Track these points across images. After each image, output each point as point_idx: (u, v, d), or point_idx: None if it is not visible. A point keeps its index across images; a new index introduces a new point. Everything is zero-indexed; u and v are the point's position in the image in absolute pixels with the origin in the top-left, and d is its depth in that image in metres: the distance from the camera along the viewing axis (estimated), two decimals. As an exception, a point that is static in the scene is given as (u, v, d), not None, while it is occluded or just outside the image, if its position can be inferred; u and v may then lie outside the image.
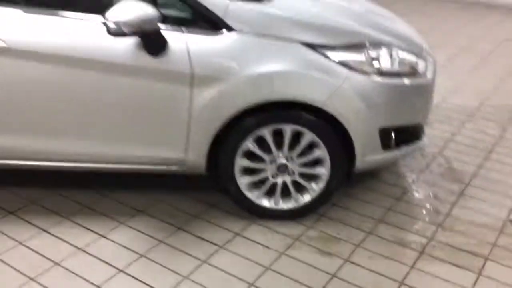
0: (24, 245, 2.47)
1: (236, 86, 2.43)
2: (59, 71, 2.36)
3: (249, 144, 2.57)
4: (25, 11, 2.39)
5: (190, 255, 2.47)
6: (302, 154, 2.62)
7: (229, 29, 2.43)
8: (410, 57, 2.77)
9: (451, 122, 4.01)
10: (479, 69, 5.26)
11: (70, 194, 2.84)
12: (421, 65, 2.80)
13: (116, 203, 2.80)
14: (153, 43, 2.34)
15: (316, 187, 2.70)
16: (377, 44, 2.66)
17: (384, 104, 2.62)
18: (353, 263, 2.48)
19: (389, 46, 2.69)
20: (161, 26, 2.33)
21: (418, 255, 2.55)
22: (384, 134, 2.68)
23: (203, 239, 2.58)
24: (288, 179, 2.67)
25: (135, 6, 2.23)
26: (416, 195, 3.07)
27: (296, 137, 2.58)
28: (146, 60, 2.36)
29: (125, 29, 2.21)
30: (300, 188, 2.71)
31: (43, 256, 2.41)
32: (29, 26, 2.37)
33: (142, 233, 2.60)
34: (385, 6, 3.45)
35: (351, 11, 3.09)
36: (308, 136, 2.56)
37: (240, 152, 2.58)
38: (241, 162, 2.61)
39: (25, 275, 2.29)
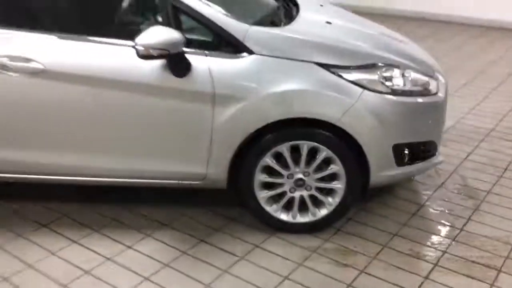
0: (56, 255, 2.63)
1: (255, 104, 2.58)
2: (91, 91, 2.56)
3: (268, 160, 2.70)
4: (60, 37, 2.59)
5: (212, 265, 2.59)
6: (318, 169, 2.74)
7: (249, 52, 2.60)
8: (422, 77, 2.89)
9: (467, 142, 4.08)
10: (495, 92, 5.34)
11: (98, 208, 3.01)
12: (433, 85, 2.92)
13: (142, 217, 2.96)
14: (178, 65, 2.52)
15: (332, 201, 2.81)
16: (390, 65, 2.80)
17: (397, 121, 2.74)
18: (368, 274, 2.57)
19: (401, 66, 2.83)
20: (186, 49, 2.51)
21: (432, 267, 2.63)
22: (397, 150, 2.79)
23: (224, 250, 2.71)
24: (305, 193, 2.79)
25: (162, 31, 2.42)
26: (431, 210, 3.15)
27: (313, 153, 2.71)
28: (172, 80, 2.53)
29: (153, 52, 2.40)
30: (317, 202, 2.82)
31: (74, 265, 2.56)
32: (64, 50, 2.57)
33: (166, 244, 2.74)
34: (403, 32, 3.60)
35: (366, 34, 3.25)
36: (324, 152, 2.69)
37: (259, 167, 2.71)
38: (260, 177, 2.74)
39: (58, 282, 2.45)
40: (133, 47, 2.41)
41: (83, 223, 2.88)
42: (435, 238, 2.88)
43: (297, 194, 2.79)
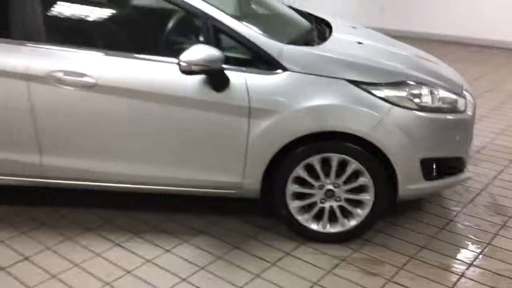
0: (101, 256, 2.82)
1: (289, 118, 2.75)
2: (137, 104, 2.77)
3: (300, 171, 2.85)
4: (110, 55, 2.82)
5: (245, 269, 2.74)
6: (348, 181, 2.87)
7: (283, 69, 2.77)
8: (450, 95, 3.01)
9: (497, 162, 4.13)
10: (528, 113, 5.37)
11: (140, 214, 3.21)
12: (460, 103, 3.03)
13: (179, 224, 3.13)
14: (217, 80, 2.71)
15: (361, 213, 2.92)
16: (418, 83, 2.92)
17: (424, 136, 2.85)
18: (395, 283, 2.66)
19: (430, 84, 2.95)
20: (225, 66, 2.71)
21: (459, 278, 2.70)
22: (425, 164, 2.89)
23: (256, 256, 2.85)
24: (335, 204, 2.92)
25: (204, 49, 2.63)
26: (459, 225, 3.22)
27: (343, 165, 2.84)
28: (211, 95, 2.73)
29: (195, 68, 2.60)
30: (346, 213, 2.94)
31: (117, 265, 2.75)
32: (114, 66, 2.80)
33: (203, 249, 2.90)
34: (439, 55, 3.72)
35: (395, 54, 3.40)
36: (354, 165, 2.82)
37: (291, 178, 2.86)
38: (292, 187, 2.89)
39: (102, 280, 2.63)
40: (177, 63, 2.62)
41: (126, 228, 3.07)
42: (462, 251, 2.95)
43: (327, 205, 2.92)
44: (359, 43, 3.31)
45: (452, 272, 2.75)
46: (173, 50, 2.77)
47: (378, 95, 2.79)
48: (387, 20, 8.73)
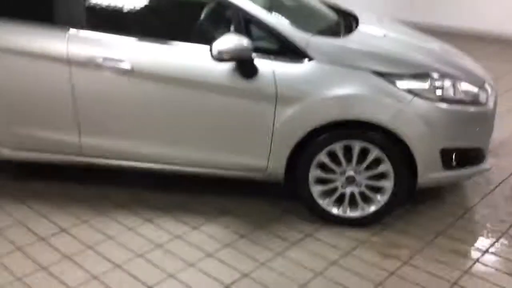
0: (133, 231, 3.02)
1: (313, 106, 2.88)
2: (171, 89, 2.94)
3: (322, 157, 2.98)
4: (146, 41, 2.99)
5: (267, 248, 2.90)
6: (368, 168, 2.99)
7: (310, 58, 2.90)
8: (472, 88, 3.09)
9: (520, 156, 4.19)
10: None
11: (170, 194, 3.39)
12: (482, 96, 3.11)
13: (206, 204, 3.31)
14: (246, 68, 2.86)
15: (381, 199, 3.04)
16: (441, 75, 3.02)
17: (445, 127, 2.95)
18: (411, 265, 2.79)
19: (452, 77, 3.04)
20: (254, 54, 2.85)
21: (473, 263, 2.81)
22: (445, 154, 2.99)
23: (279, 236, 3.00)
24: (355, 190, 3.04)
25: (234, 38, 2.78)
26: (477, 214, 3.31)
27: (364, 153, 2.96)
28: (240, 82, 2.88)
29: (225, 56, 2.76)
30: (366, 199, 3.07)
31: (148, 239, 2.94)
32: (149, 53, 2.97)
33: (229, 228, 3.07)
34: (466, 51, 3.77)
35: (420, 46, 3.49)
36: (375, 152, 2.93)
37: (314, 163, 3.00)
38: (314, 172, 3.02)
39: (134, 252, 2.83)
40: (209, 51, 2.77)
41: (156, 206, 3.26)
42: (478, 239, 3.05)
43: (348, 190, 3.05)
44: (385, 35, 3.41)
45: (468, 258, 2.86)
46: (205, 38, 2.92)
47: (400, 86, 2.90)
48: (416, 14, 8.72)
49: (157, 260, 2.76)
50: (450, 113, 2.97)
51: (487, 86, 3.24)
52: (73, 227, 3.03)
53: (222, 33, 2.81)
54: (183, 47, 2.97)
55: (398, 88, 2.89)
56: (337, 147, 2.96)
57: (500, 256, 2.88)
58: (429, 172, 3.00)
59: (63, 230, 3.00)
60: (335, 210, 3.10)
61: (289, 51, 2.92)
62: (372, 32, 3.49)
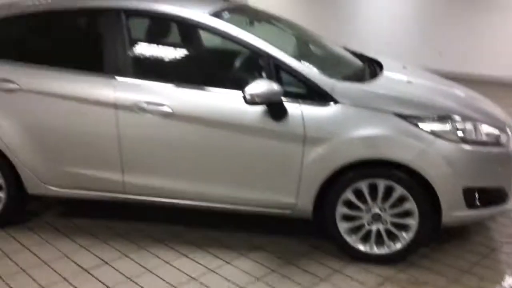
0: (170, 264, 3.20)
1: (340, 146, 3.06)
2: (208, 130, 3.17)
3: (349, 195, 3.14)
4: (184, 87, 3.25)
5: (297, 283, 3.03)
6: (393, 206, 3.12)
7: (335, 102, 3.10)
8: (493, 130, 3.23)
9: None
10: None
11: (204, 230, 3.58)
12: (503, 138, 3.24)
13: (239, 239, 3.48)
14: (277, 111, 3.09)
15: (406, 236, 3.16)
16: (463, 118, 3.17)
17: (467, 167, 3.08)
18: (436, 301, 2.87)
19: (473, 119, 3.19)
20: (284, 98, 3.08)
21: (498, 300, 2.88)
22: (468, 193, 3.10)
23: (308, 272, 3.13)
24: (381, 227, 3.17)
25: (265, 83, 3.02)
26: (503, 254, 3.37)
27: (389, 191, 3.10)
28: (271, 123, 3.10)
29: (257, 100, 2.99)
30: (392, 236, 3.18)
31: (184, 272, 3.11)
32: (188, 98, 3.22)
33: (259, 263, 3.22)
34: (494, 98, 3.92)
35: (442, 91, 3.68)
36: (399, 191, 3.08)
37: (341, 201, 3.16)
38: (341, 209, 3.17)
39: (170, 284, 2.99)
40: (242, 95, 3.02)
41: (191, 241, 3.44)
42: (503, 277, 3.11)
43: (374, 227, 3.18)
44: (407, 80, 3.61)
45: (492, 295, 2.93)
46: (239, 84, 3.17)
47: (423, 127, 3.06)
48: (445, 63, 8.93)
49: (196, 292, 2.93)
50: (472, 154, 3.10)
51: (508, 129, 3.37)
52: (114, 260, 3.23)
53: (254, 79, 3.06)
54: (218, 92, 3.22)
55: (421, 130, 3.06)
56: (363, 185, 3.11)
57: (525, 294, 2.94)
58: (453, 210, 3.11)
59: (105, 262, 3.20)
60: (362, 247, 3.22)
61: (316, 95, 3.13)
62: (395, 77, 3.69)
